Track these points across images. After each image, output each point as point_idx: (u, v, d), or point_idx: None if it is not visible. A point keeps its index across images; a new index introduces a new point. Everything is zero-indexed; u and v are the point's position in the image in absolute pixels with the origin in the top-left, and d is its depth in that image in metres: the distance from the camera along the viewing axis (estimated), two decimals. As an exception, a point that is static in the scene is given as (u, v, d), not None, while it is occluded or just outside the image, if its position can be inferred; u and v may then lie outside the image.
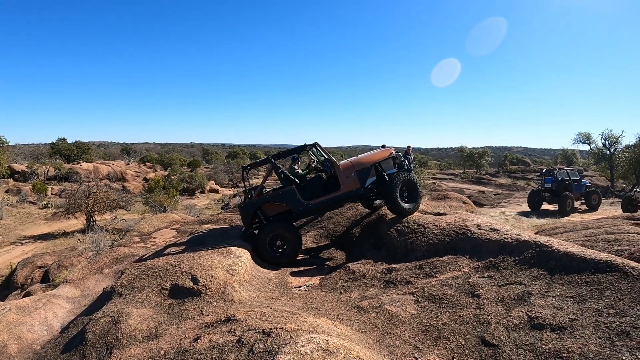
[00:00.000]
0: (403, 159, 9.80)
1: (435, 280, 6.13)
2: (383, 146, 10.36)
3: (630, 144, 40.52)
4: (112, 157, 60.22)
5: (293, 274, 7.84)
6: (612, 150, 39.00)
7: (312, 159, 10.20)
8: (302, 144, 9.44)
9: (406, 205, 8.81)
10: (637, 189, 23.97)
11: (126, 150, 70.83)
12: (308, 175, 9.83)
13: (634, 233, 10.16)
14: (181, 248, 8.25)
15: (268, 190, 9.36)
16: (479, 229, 7.19)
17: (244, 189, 9.46)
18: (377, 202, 10.22)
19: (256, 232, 9.06)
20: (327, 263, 8.55)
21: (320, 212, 9.53)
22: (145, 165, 53.12)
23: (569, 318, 4.40)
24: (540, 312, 4.61)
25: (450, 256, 6.81)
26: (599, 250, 8.01)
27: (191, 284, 6.19)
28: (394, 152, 9.83)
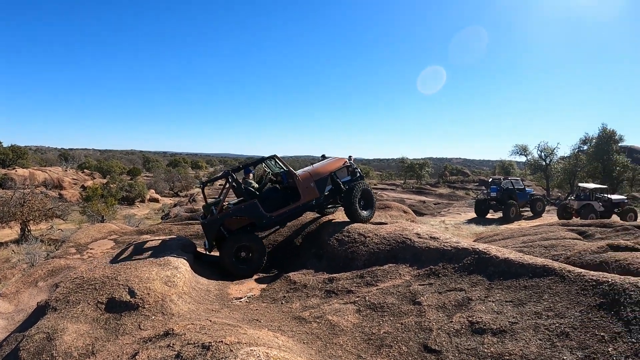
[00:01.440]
0: (355, 166, 10.17)
1: (377, 289, 6.12)
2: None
3: (565, 155, 42.52)
4: (50, 163, 57.63)
5: (233, 285, 7.67)
6: (547, 161, 40.66)
7: (266, 171, 10.24)
8: (260, 157, 9.57)
9: (364, 213, 9.20)
10: (572, 197, 25.20)
11: (64, 156, 68.09)
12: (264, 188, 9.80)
13: (569, 238, 10.59)
14: (119, 259, 7.94)
15: (228, 204, 9.19)
16: (419, 237, 7.27)
17: (204, 205, 9.32)
18: (330, 208, 10.48)
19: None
20: (269, 273, 8.44)
21: (282, 224, 9.43)
22: (83, 172, 51.27)
23: (509, 322, 4.46)
24: (481, 317, 4.66)
25: (391, 265, 6.84)
26: (537, 256, 8.28)
27: (128, 297, 5.94)
28: (347, 160, 10.10)
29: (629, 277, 4.53)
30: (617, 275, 4.62)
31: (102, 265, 7.17)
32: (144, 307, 5.82)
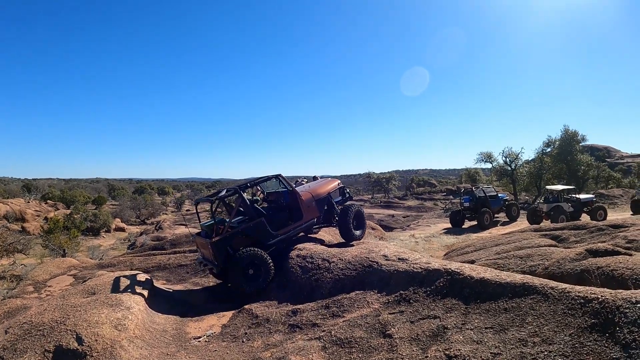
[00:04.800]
0: (345, 187, 11.00)
1: (343, 321, 5.68)
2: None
3: (530, 159, 42.95)
4: (12, 195, 55.22)
5: (193, 322, 7.22)
6: (513, 167, 40.96)
7: (258, 189, 10.89)
8: (267, 175, 9.75)
9: (357, 233, 9.78)
10: (540, 201, 25.24)
11: (27, 187, 65.80)
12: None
13: (545, 246, 10.27)
14: (72, 299, 7.45)
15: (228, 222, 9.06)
16: (387, 259, 6.93)
17: (205, 223, 9.15)
18: (315, 228, 10.58)
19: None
20: (230, 306, 8.00)
21: (285, 242, 9.35)
22: (46, 203, 49.59)
23: (491, 353, 3.91)
24: (459, 349, 4.10)
25: (357, 292, 6.47)
26: (512, 268, 7.85)
27: (76, 344, 5.55)
28: (339, 182, 10.99)
29: (620, 291, 4.01)
30: (606, 290, 4.11)
31: (52, 307, 6.76)
32: (92, 355, 5.51)
